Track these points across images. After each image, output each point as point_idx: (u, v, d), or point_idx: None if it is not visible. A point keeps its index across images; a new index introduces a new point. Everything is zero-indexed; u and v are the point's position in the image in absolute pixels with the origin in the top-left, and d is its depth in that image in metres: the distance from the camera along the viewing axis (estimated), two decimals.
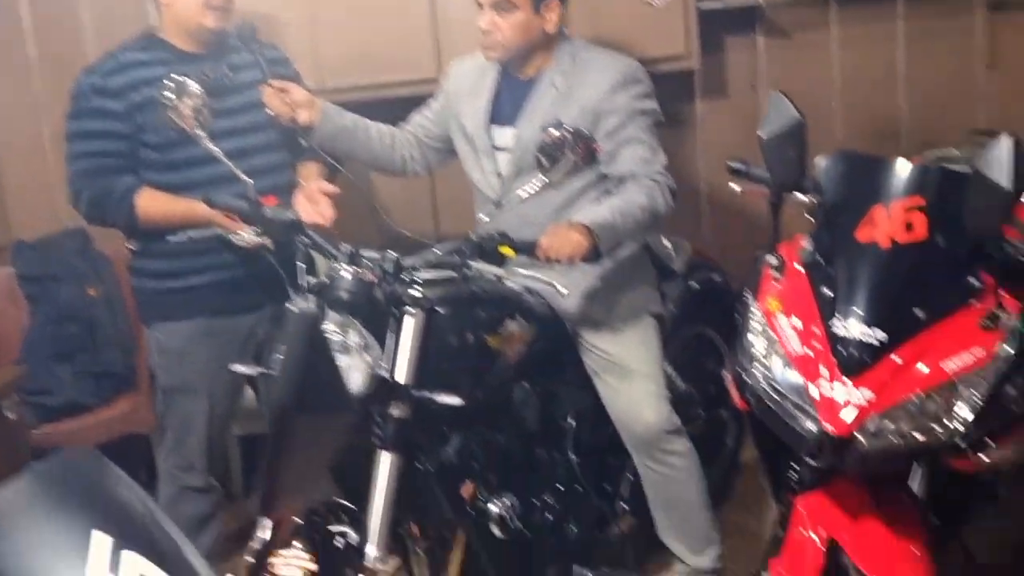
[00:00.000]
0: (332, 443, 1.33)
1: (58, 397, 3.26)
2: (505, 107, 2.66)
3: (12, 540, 0.85)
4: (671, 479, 2.62)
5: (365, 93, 3.32)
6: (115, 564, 0.87)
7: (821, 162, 2.10)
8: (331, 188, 2.55)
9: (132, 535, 0.90)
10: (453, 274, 2.31)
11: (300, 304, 1.21)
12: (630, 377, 2.60)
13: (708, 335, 3.13)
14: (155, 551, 0.91)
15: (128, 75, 2.60)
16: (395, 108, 3.10)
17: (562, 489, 2.65)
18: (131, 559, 0.88)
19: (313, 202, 2.50)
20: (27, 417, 3.04)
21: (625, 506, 2.82)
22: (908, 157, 3.05)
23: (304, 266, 2.25)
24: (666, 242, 2.99)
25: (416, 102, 3.16)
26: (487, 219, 2.61)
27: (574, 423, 2.70)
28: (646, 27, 3.20)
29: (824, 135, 3.39)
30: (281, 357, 0.98)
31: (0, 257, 3.58)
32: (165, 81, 2.30)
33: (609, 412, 2.64)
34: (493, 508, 2.41)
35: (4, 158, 3.68)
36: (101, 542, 0.87)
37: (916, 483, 1.99)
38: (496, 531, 2.41)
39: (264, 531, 1.98)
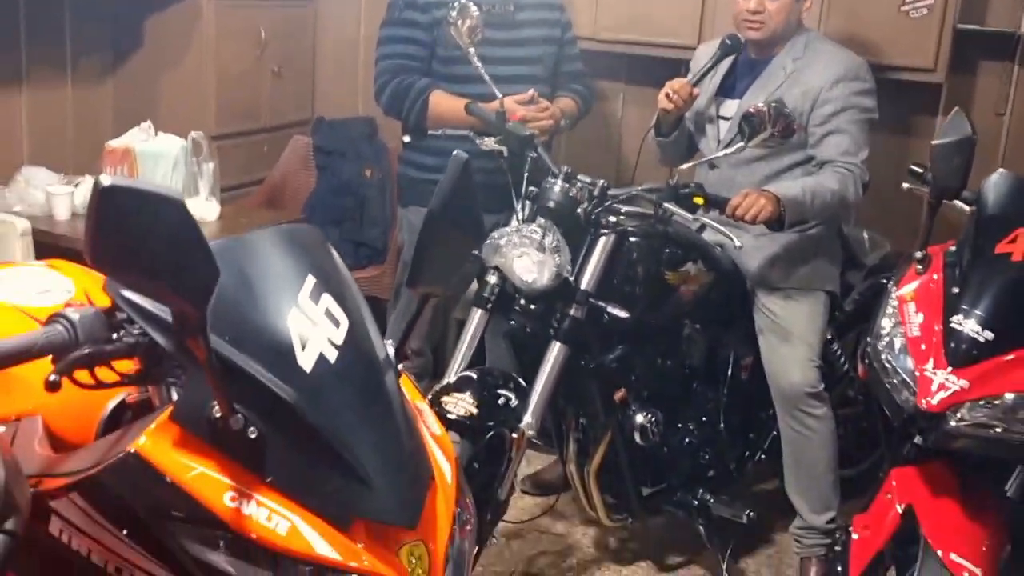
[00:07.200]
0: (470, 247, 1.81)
1: None
2: (737, 82, 2.98)
3: (254, 261, 1.31)
4: (806, 439, 2.84)
5: (630, 48, 3.75)
6: (316, 297, 1.33)
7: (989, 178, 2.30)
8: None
9: (332, 285, 1.36)
10: (649, 211, 2.69)
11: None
12: (789, 340, 2.86)
13: None
14: (344, 302, 1.37)
15: None
16: (654, 65, 3.50)
17: (706, 422, 2.97)
18: (327, 299, 1.34)
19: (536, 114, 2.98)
20: None
21: (763, 456, 3.10)
22: None
23: (528, 175, 2.69)
24: (865, 235, 3.20)
25: (673, 64, 3.53)
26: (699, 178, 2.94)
27: (734, 369, 3.01)
28: (899, 35, 3.34)
29: None
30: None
31: (302, 129, 4.28)
32: (453, 2, 2.79)
33: (764, 367, 2.91)
34: (639, 417, 2.72)
35: (324, 50, 4.38)
36: (311, 281, 1.34)
37: (1013, 488, 2.20)
38: (637, 438, 2.73)
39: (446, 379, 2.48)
